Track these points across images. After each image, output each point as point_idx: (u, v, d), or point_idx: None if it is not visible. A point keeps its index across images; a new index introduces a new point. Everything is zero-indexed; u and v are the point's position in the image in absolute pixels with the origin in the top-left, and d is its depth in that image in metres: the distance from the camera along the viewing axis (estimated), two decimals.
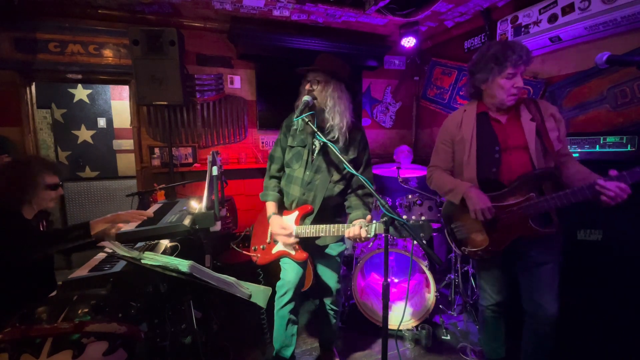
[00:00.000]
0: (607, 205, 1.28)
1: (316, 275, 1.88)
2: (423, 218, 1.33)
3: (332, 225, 1.58)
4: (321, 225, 1.61)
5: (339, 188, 1.70)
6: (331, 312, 1.93)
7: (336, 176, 1.68)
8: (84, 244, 1.60)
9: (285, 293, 1.75)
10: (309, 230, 1.63)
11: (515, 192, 1.48)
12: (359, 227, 1.48)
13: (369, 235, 1.47)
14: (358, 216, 1.61)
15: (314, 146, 1.71)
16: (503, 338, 1.79)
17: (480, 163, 1.57)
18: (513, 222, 1.49)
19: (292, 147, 1.75)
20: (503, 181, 1.53)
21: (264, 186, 1.85)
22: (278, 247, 1.75)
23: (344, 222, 1.68)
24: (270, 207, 1.78)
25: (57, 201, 1.67)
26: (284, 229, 1.66)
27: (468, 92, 1.68)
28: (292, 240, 1.66)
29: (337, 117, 1.61)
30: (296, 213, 1.69)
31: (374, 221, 1.49)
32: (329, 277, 1.83)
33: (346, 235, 1.52)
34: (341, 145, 1.65)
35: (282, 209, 1.79)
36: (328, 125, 1.63)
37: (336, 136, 1.63)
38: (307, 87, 1.63)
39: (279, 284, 1.78)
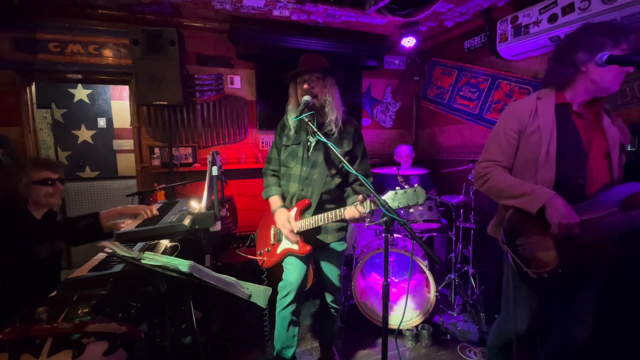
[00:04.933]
0: None
1: (318, 273, 1.89)
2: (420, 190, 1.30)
3: (330, 212, 1.59)
4: (320, 215, 1.62)
5: (336, 182, 1.71)
6: (332, 311, 1.93)
7: (333, 170, 1.69)
8: (91, 235, 1.63)
9: (287, 294, 1.75)
10: (309, 222, 1.64)
11: (597, 205, 1.25)
12: (353, 206, 1.49)
13: (365, 211, 1.47)
14: (354, 200, 1.61)
15: (308, 143, 1.73)
16: (514, 355, 1.57)
17: (561, 164, 1.30)
18: (591, 240, 1.25)
19: (287, 146, 1.77)
20: (587, 189, 1.28)
21: (265, 184, 1.86)
22: (282, 246, 1.75)
23: None
24: (275, 201, 1.79)
25: (59, 197, 1.67)
26: (289, 222, 1.67)
27: (556, 77, 1.36)
28: (295, 237, 1.67)
29: (335, 111, 1.67)
30: (294, 210, 1.71)
31: (377, 196, 1.47)
32: (331, 274, 1.83)
33: (345, 216, 1.53)
34: (336, 137, 1.68)
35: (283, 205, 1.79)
36: (328, 119, 1.67)
37: (333, 129, 1.67)
38: (305, 86, 1.64)
39: (281, 284, 1.79)
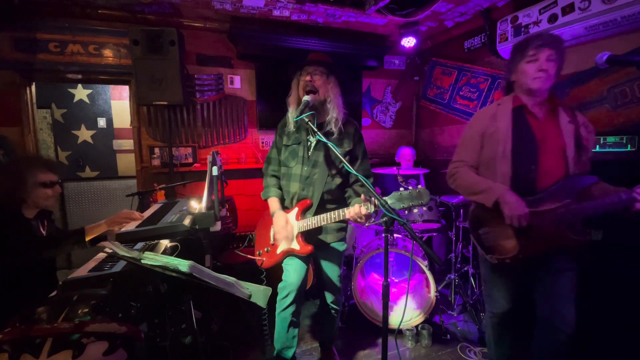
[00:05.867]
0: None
1: (318, 273, 1.88)
2: (422, 190, 1.33)
3: (332, 212, 1.59)
4: (322, 215, 1.62)
5: (337, 181, 1.70)
6: (332, 312, 1.93)
7: (334, 170, 1.69)
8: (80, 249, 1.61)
9: (287, 295, 1.74)
10: (311, 222, 1.64)
11: (552, 196, 1.40)
12: (358, 206, 1.48)
13: (369, 212, 1.46)
14: (357, 202, 1.60)
15: (309, 142, 1.73)
16: (510, 342, 1.71)
17: (516, 158, 1.46)
18: (547, 229, 1.40)
19: (287, 145, 1.77)
20: (539, 181, 1.44)
21: (264, 185, 1.86)
22: (282, 246, 1.75)
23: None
24: (274, 202, 1.78)
25: (57, 199, 1.66)
26: (285, 227, 1.66)
27: (504, 90, 1.63)
28: (289, 243, 1.67)
29: (336, 109, 1.68)
30: (296, 210, 1.70)
31: (372, 198, 1.45)
32: (331, 274, 1.83)
33: (347, 216, 1.52)
34: (336, 137, 1.68)
35: (282, 207, 1.79)
36: (328, 117, 1.68)
37: (332, 129, 1.67)
38: (308, 78, 1.64)
39: (280, 285, 1.78)
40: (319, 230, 1.73)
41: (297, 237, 1.70)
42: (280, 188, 1.82)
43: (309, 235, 1.70)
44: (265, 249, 1.82)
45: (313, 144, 1.71)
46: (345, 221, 1.70)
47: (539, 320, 1.53)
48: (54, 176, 1.60)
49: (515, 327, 1.69)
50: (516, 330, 1.70)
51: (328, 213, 1.59)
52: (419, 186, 1.35)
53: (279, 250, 1.76)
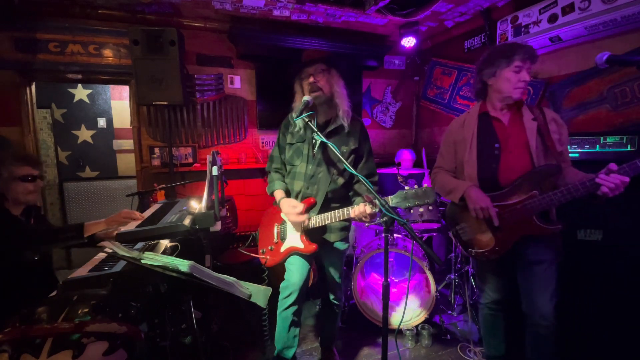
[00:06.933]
0: (605, 196, 1.30)
1: (320, 272, 1.88)
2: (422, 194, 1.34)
3: (336, 210, 1.59)
4: (326, 213, 1.62)
5: (342, 181, 1.70)
6: (334, 307, 1.93)
7: (339, 169, 1.69)
8: (77, 245, 1.60)
9: (289, 295, 1.74)
10: (315, 220, 1.64)
11: (518, 190, 1.49)
12: (363, 205, 1.48)
13: (374, 210, 1.46)
14: (362, 201, 1.60)
15: (314, 141, 1.72)
16: (502, 335, 1.78)
17: (481, 160, 1.59)
18: (518, 221, 1.49)
19: (291, 144, 1.77)
20: (501, 179, 1.54)
21: (269, 180, 1.86)
22: (286, 244, 1.74)
23: None
24: (279, 193, 1.77)
25: (40, 194, 1.62)
26: (294, 207, 1.65)
27: (474, 91, 1.69)
28: (304, 217, 1.64)
29: (344, 103, 1.68)
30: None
31: (377, 196, 1.45)
32: (334, 273, 1.83)
33: (352, 215, 1.52)
34: (343, 134, 1.68)
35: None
36: (340, 112, 1.68)
37: (344, 122, 1.67)
38: (311, 80, 1.63)
39: (283, 284, 1.78)
40: (322, 229, 1.72)
41: (301, 235, 1.71)
42: (284, 182, 1.83)
43: (313, 234, 1.70)
44: (269, 247, 1.82)
45: (318, 143, 1.71)
46: (349, 220, 1.70)
47: (522, 315, 1.59)
48: (33, 170, 1.57)
49: (506, 320, 1.75)
50: (507, 325, 1.76)
51: (332, 212, 1.59)
52: (424, 185, 1.35)
53: (282, 249, 1.76)
